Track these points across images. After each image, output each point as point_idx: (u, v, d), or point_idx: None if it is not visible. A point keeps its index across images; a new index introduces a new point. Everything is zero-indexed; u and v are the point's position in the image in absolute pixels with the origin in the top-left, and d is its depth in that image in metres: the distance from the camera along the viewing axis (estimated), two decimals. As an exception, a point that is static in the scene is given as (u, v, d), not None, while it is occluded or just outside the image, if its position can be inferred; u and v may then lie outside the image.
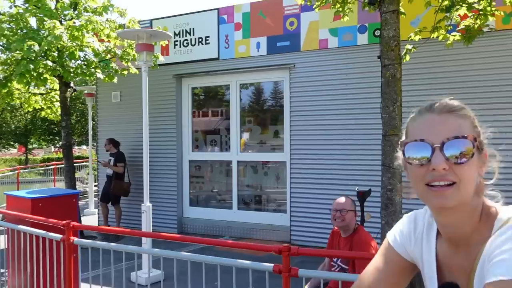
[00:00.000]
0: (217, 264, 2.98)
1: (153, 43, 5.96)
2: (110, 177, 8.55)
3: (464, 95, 6.18)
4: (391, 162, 4.01)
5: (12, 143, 30.29)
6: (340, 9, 5.92)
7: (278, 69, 7.73)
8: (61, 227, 3.80)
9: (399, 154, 1.14)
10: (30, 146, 31.47)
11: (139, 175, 8.88)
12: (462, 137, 1.04)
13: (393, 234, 1.28)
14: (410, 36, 5.48)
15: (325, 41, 7.26)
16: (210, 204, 8.73)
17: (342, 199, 3.44)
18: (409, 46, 5.13)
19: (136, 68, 7.85)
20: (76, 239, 3.75)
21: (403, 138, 1.17)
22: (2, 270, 5.30)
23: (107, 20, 7.72)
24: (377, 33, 6.90)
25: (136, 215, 8.70)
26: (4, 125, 27.72)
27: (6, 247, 4.83)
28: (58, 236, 3.84)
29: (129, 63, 7.87)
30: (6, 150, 32.78)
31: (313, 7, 6.11)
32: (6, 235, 4.87)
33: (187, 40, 8.46)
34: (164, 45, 8.36)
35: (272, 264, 2.76)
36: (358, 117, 6.93)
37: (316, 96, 7.29)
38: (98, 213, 9.37)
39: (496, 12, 5.37)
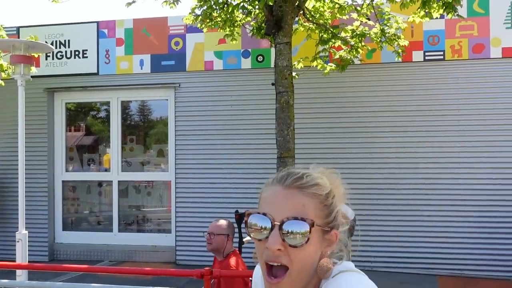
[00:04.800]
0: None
1: (32, 55, 5.47)
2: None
3: (342, 119, 6.88)
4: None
5: None
6: (229, 32, 6.20)
7: (163, 88, 7.66)
8: None
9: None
10: None
11: None
12: (301, 219, 1.00)
13: (253, 281, 1.28)
14: (294, 64, 5.97)
15: (211, 62, 7.44)
16: (87, 227, 8.17)
17: (215, 222, 3.36)
18: (293, 73, 5.56)
19: (1, 79, 7.06)
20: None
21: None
22: None
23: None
24: (260, 58, 7.31)
25: (-4, 243, 7.74)
26: None
27: None
28: None
29: (-7, 74, 7.03)
30: None
31: (202, 27, 6.27)
32: None
33: (61, 52, 7.89)
34: (36, 56, 7.66)
35: (193, 289, 2.76)
36: (243, 138, 7.19)
37: (201, 116, 7.38)
38: None
39: (364, 47, 6.18)
